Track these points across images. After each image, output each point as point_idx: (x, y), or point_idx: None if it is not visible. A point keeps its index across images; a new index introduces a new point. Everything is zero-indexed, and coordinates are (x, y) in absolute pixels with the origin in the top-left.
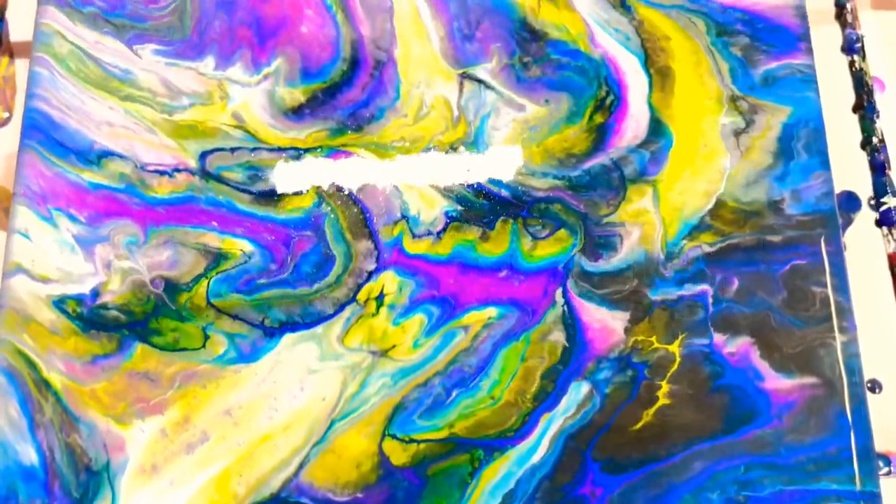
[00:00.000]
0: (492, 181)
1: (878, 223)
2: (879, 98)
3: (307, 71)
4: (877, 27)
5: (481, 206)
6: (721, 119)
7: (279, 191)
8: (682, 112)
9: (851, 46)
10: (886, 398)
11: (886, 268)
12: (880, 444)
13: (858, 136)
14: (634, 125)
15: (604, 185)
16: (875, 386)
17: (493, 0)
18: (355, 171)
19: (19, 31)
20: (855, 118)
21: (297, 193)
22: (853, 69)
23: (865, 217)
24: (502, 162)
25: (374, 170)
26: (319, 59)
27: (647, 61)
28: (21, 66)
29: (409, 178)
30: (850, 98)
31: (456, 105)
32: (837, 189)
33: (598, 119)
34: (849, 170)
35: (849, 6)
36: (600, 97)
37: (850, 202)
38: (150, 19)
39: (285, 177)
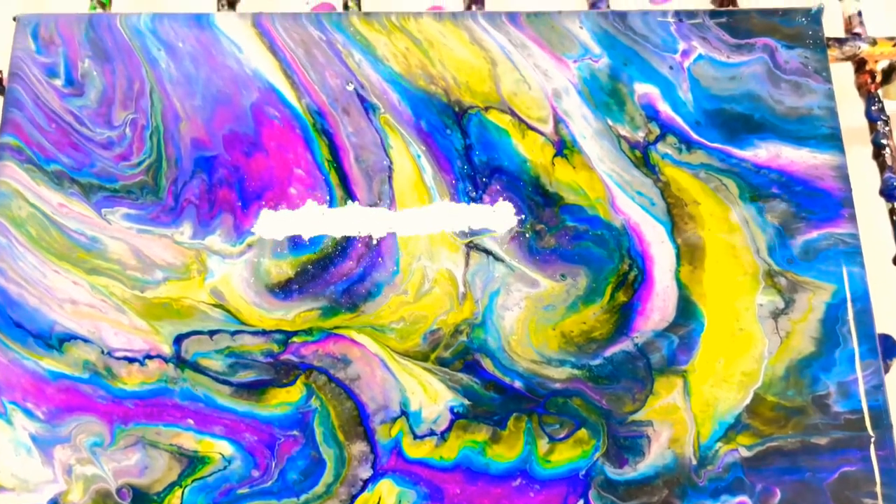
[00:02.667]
0: (502, 370)
1: None
2: None
3: (296, 240)
4: None
5: (491, 401)
6: (758, 298)
7: (263, 382)
8: (715, 290)
9: (892, 192)
10: None
11: None
12: None
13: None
14: (661, 305)
15: (628, 377)
16: None
17: (503, 159)
18: (349, 358)
19: None
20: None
21: (282, 385)
22: (894, 218)
23: None
24: (514, 347)
25: (370, 357)
26: None
27: (675, 230)
28: None
29: (410, 366)
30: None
31: (462, 280)
32: None
33: (621, 297)
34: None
35: (889, 146)
36: (622, 272)
37: (888, 348)
38: (120, 179)
39: (270, 366)
